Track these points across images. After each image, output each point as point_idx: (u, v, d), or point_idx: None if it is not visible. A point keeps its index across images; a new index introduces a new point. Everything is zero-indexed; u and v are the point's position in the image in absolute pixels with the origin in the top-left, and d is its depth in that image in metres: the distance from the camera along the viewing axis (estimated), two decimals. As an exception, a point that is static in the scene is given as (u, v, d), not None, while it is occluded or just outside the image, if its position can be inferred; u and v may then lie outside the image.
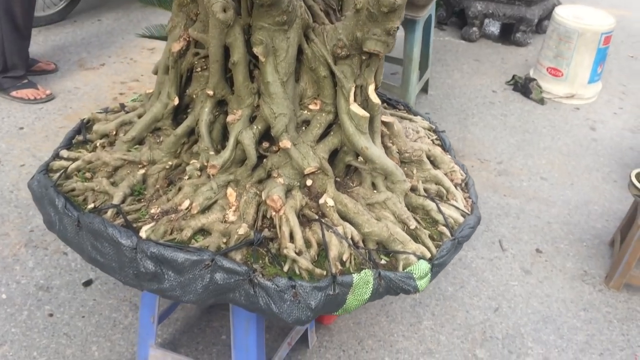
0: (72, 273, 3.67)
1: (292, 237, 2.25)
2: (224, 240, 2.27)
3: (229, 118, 2.36)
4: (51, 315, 3.38)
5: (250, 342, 2.61)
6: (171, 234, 2.27)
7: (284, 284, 2.14)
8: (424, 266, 2.29)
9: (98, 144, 2.67)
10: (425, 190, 2.62)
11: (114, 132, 2.67)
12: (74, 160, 2.59)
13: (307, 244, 2.27)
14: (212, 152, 2.40)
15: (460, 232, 2.49)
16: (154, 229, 2.25)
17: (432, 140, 3.03)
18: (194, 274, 2.18)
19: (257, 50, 2.25)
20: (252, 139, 2.35)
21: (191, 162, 2.44)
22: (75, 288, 3.57)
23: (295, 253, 2.21)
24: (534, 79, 6.03)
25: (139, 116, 2.68)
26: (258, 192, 2.37)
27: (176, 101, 2.50)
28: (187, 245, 2.24)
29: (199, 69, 2.45)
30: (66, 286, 3.57)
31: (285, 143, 2.33)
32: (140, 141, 2.58)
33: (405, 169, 2.65)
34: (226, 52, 2.33)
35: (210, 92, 2.37)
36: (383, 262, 2.33)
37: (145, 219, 2.33)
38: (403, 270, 2.28)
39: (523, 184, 4.84)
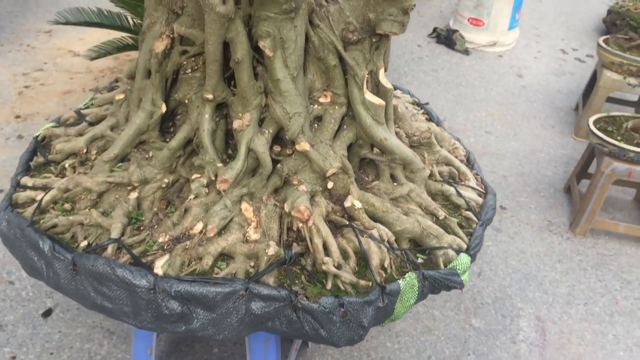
0: (25, 304, 3.23)
1: (325, 249, 2.03)
2: (251, 263, 2.01)
3: (236, 124, 2.06)
4: (14, 358, 2.96)
5: (271, 363, 2.38)
6: (189, 265, 1.97)
7: (331, 303, 1.92)
8: (465, 260, 2.15)
9: (67, 166, 2.28)
10: (440, 173, 2.47)
11: (85, 150, 2.28)
12: (43, 188, 2.20)
13: (344, 254, 2.05)
14: (219, 164, 2.10)
15: (485, 216, 2.37)
16: (170, 263, 1.95)
17: (423, 116, 2.86)
18: (228, 308, 1.92)
19: (264, 44, 1.96)
20: (265, 145, 2.07)
21: (193, 177, 2.13)
22: (34, 321, 3.14)
23: (335, 267, 2.00)
24: (456, 30, 5.99)
25: (112, 128, 2.31)
26: (278, 203, 2.11)
27: (164, 108, 2.16)
28: (210, 275, 1.96)
29: (188, 70, 2.11)
30: (22, 320, 3.14)
31: (304, 145, 2.07)
32: (123, 158, 2.22)
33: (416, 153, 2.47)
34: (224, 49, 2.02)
35: (210, 96, 2.05)
36: (420, 260, 2.16)
37: (153, 251, 2.01)
38: (445, 267, 2.13)
39: (471, 140, 4.83)
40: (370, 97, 2.14)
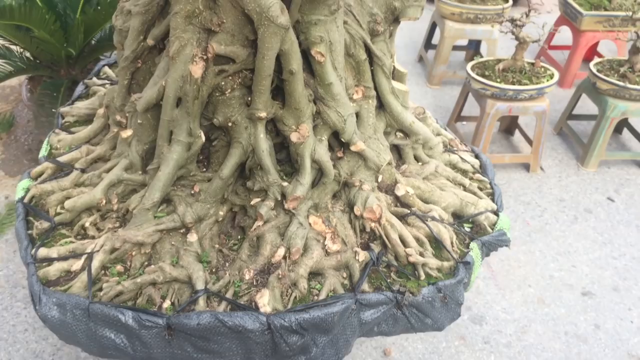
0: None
1: (402, 241, 2.05)
2: (344, 274, 1.97)
3: (294, 137, 1.95)
4: None
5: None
6: (288, 294, 1.87)
7: (432, 292, 1.97)
8: (505, 219, 2.31)
9: (87, 224, 1.97)
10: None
11: (104, 201, 1.99)
12: (74, 256, 1.89)
13: (418, 241, 2.09)
14: (284, 183, 1.98)
15: (492, 174, 2.54)
16: (272, 297, 1.83)
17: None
18: (343, 325, 1.87)
19: (319, 50, 1.88)
20: (327, 154, 2.00)
21: (253, 202, 1.98)
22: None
23: (411, 254, 2.03)
24: None
25: (126, 169, 2.04)
26: (342, 208, 2.06)
27: (203, 138, 1.96)
28: (311, 298, 1.88)
29: (228, 91, 1.92)
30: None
31: (360, 145, 2.04)
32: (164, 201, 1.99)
33: (416, 129, 2.55)
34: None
35: (263, 114, 1.91)
36: (467, 229, 2.28)
37: (245, 290, 1.86)
38: (492, 230, 2.27)
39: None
40: (396, 84, 2.16)
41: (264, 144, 1.95)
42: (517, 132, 4.89)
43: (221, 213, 1.99)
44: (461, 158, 2.53)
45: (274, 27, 1.74)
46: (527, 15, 4.08)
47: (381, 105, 2.19)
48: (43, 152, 2.29)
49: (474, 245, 2.16)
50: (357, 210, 2.03)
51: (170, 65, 1.86)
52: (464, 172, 2.52)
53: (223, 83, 1.91)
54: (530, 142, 4.51)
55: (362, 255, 1.96)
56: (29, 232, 2.00)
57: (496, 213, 2.31)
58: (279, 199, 1.98)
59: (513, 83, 4.16)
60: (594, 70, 4.35)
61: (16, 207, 2.05)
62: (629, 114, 4.31)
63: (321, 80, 1.94)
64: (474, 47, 5.72)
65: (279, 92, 1.97)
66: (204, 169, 2.06)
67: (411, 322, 1.97)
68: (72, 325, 1.78)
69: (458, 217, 2.29)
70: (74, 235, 1.98)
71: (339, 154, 2.09)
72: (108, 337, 1.76)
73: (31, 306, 3.05)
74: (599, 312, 3.46)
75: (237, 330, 1.74)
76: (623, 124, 4.93)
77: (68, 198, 2.06)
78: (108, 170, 2.07)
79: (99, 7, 3.35)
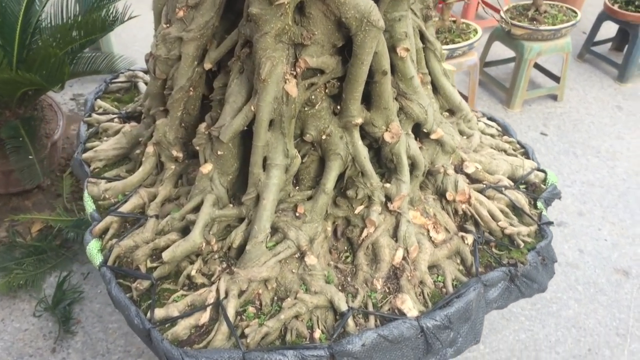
0: None
1: (492, 216, 2.11)
2: (457, 261, 2.00)
3: (387, 137, 1.92)
4: None
5: None
6: (419, 292, 1.88)
7: (534, 257, 2.06)
8: (551, 173, 2.44)
9: (194, 273, 1.84)
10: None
11: (204, 245, 1.86)
12: (198, 310, 1.76)
13: (503, 213, 2.16)
14: (387, 185, 1.95)
15: (516, 137, 2.65)
16: (413, 300, 1.83)
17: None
18: (477, 310, 1.92)
19: (405, 45, 1.86)
20: (418, 148, 2.00)
21: (358, 211, 1.94)
22: None
23: (506, 226, 2.11)
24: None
25: (213, 205, 1.91)
26: (434, 197, 2.08)
27: (299, 157, 1.87)
28: (440, 291, 1.91)
29: (318, 103, 1.84)
30: None
31: (439, 132, 2.06)
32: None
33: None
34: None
35: (360, 120, 1.86)
36: (524, 189, 2.38)
37: (382, 300, 1.84)
38: (544, 186, 2.39)
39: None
40: (447, 66, 2.19)
41: (364, 150, 1.91)
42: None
43: (328, 229, 1.93)
44: (485, 124, 2.63)
45: (375, 30, 1.69)
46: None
47: (434, 88, 2.21)
48: (89, 208, 2.07)
49: (539, 204, 2.27)
50: (450, 195, 2.06)
51: (260, 88, 1.75)
52: (493, 137, 2.61)
53: (313, 96, 1.84)
54: (465, 97, 4.73)
55: (470, 238, 2.00)
56: (127, 295, 1.83)
57: (541, 170, 2.43)
58: (383, 201, 1.95)
59: (447, 43, 4.31)
60: (507, 18, 4.61)
61: (102, 274, 1.85)
62: (542, 53, 4.64)
63: (403, 76, 1.93)
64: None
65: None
66: (296, 188, 1.98)
67: (522, 290, 2.05)
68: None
69: (513, 181, 2.39)
70: (179, 287, 1.84)
71: (419, 145, 2.10)
72: (270, 383, 1.68)
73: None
74: (577, 238, 3.77)
75: (397, 341, 1.73)
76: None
77: (156, 249, 1.90)
78: (191, 212, 1.93)
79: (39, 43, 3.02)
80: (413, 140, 2.00)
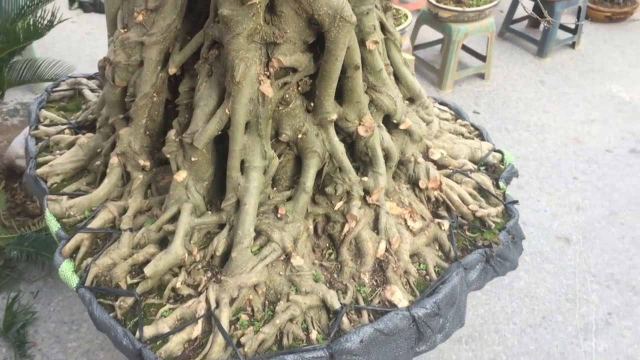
0: None
1: (462, 200, 2.16)
2: (436, 247, 2.04)
3: (362, 131, 1.91)
4: None
5: None
6: (405, 282, 1.90)
7: (505, 237, 2.13)
8: (508, 153, 2.52)
9: (179, 285, 1.78)
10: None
11: (186, 256, 1.80)
12: (190, 323, 1.71)
13: (471, 196, 2.22)
14: (365, 179, 1.95)
15: (468, 119, 2.72)
16: (401, 291, 1.85)
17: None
18: (461, 293, 1.96)
19: (374, 38, 1.86)
20: (390, 139, 2.01)
21: (337, 207, 1.94)
22: None
23: (480, 208, 2.16)
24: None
25: (191, 213, 1.85)
26: (407, 186, 2.11)
27: (277, 158, 1.84)
28: (424, 279, 1.94)
29: (292, 102, 1.81)
30: None
31: (408, 122, 2.08)
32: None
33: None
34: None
35: (334, 116, 1.85)
36: (484, 170, 2.45)
37: (371, 293, 1.85)
38: (503, 166, 2.47)
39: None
40: (406, 55, 2.21)
41: (341, 146, 1.90)
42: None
43: (310, 227, 1.92)
44: (439, 109, 2.67)
45: (349, 26, 1.68)
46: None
47: (396, 78, 2.22)
48: (54, 227, 1.96)
49: (502, 184, 2.34)
50: (423, 183, 2.09)
51: (234, 90, 1.71)
52: (448, 122, 2.67)
53: (287, 96, 1.81)
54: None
55: (446, 224, 2.04)
56: (111, 314, 1.75)
57: (497, 150, 2.51)
58: (362, 194, 1.96)
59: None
60: (433, 2, 4.70)
61: (81, 296, 1.77)
62: (469, 34, 4.77)
63: (372, 69, 1.93)
64: None
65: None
66: (274, 189, 1.95)
67: (496, 270, 2.11)
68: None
69: (474, 164, 2.45)
70: (165, 301, 1.78)
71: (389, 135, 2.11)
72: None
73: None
74: (519, 210, 3.92)
75: (392, 333, 1.75)
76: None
77: (135, 265, 1.83)
78: (168, 222, 1.86)
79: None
80: (385, 132, 2.01)
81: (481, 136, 2.60)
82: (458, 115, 2.72)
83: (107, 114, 2.06)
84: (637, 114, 4.86)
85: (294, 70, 1.79)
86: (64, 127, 2.31)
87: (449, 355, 2.99)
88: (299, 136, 1.86)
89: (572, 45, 5.62)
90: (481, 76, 5.19)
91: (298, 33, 1.73)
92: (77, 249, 1.90)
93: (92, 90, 2.55)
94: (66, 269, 1.83)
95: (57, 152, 2.23)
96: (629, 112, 4.87)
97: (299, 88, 1.84)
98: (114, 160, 1.99)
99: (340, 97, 1.90)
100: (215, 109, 1.80)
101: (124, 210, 1.97)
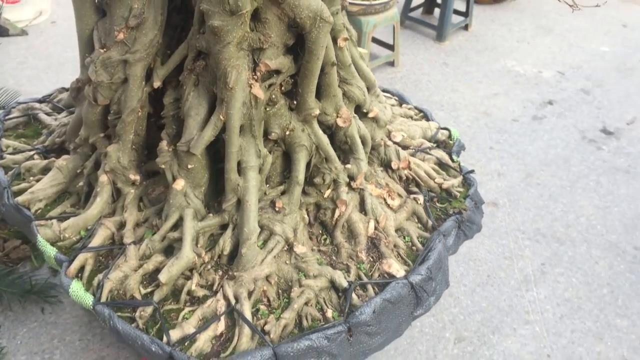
0: None
1: (428, 175, 2.37)
2: (415, 221, 2.23)
3: (340, 122, 2.06)
4: None
5: None
6: (397, 254, 2.08)
7: (469, 203, 2.36)
8: (454, 130, 2.76)
9: (194, 287, 1.86)
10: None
11: (196, 259, 1.88)
12: (213, 321, 1.80)
13: (434, 170, 2.42)
14: (348, 166, 2.10)
15: (413, 101, 2.94)
16: (398, 262, 2.02)
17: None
18: (444, 261, 2.16)
19: (345, 36, 2.01)
20: (364, 127, 2.17)
21: (327, 195, 2.08)
22: None
23: (445, 180, 2.38)
24: (-9, 13, 5.29)
25: (193, 217, 1.93)
26: (380, 168, 2.28)
27: (270, 155, 1.96)
28: (411, 250, 2.13)
29: (278, 102, 1.93)
30: None
31: (376, 110, 2.25)
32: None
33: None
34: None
35: (317, 111, 1.98)
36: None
37: (370, 268, 2.01)
38: (451, 142, 2.70)
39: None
40: (361, 50, 2.39)
41: (325, 138, 2.04)
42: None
43: (305, 216, 2.05)
44: (385, 96, 2.87)
45: (328, 26, 1.83)
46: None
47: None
48: (51, 251, 1.97)
49: (455, 158, 2.57)
50: (395, 164, 2.27)
51: (228, 96, 1.81)
52: (396, 107, 2.87)
53: (273, 96, 1.93)
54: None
55: (421, 198, 2.23)
56: (133, 325, 1.80)
57: (444, 128, 2.74)
58: (348, 181, 2.11)
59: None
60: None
61: (99, 312, 1.80)
62: (378, 25, 5.02)
63: (343, 64, 2.08)
64: None
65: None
66: (267, 185, 2.06)
67: (466, 233, 2.34)
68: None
69: (428, 142, 2.66)
70: (182, 304, 1.85)
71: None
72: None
73: None
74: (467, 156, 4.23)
75: (397, 301, 1.92)
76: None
77: (146, 274, 1.89)
78: (170, 230, 1.93)
79: None
80: (360, 121, 2.17)
81: (426, 117, 2.81)
82: (402, 100, 2.92)
83: (87, 134, 2.09)
84: (532, 84, 5.31)
85: (278, 72, 1.91)
86: (32, 152, 2.29)
87: (413, 322, 3.21)
88: (287, 133, 1.99)
89: (466, 27, 6.03)
90: (391, 64, 5.46)
91: (280, 37, 1.85)
92: (81, 268, 1.92)
93: (48, 114, 2.53)
94: (77, 288, 1.86)
95: (31, 178, 2.21)
96: (525, 84, 5.31)
97: (282, 88, 1.96)
98: (103, 178, 2.02)
99: (319, 92, 2.04)
100: (207, 116, 1.89)
101: (120, 225, 2.01)
